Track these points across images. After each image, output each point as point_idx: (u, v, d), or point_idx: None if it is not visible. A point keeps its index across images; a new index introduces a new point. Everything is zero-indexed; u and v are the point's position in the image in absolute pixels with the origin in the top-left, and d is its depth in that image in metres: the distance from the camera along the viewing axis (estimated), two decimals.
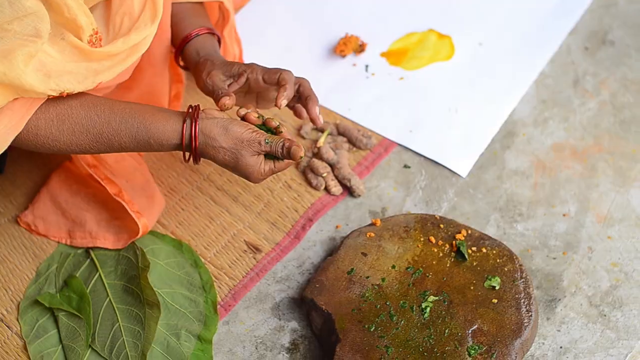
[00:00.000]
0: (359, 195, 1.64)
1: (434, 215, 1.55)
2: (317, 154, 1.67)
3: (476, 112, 1.75)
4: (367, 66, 1.83)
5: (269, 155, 1.39)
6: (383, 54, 1.85)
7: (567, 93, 1.78)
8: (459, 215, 1.61)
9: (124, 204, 1.54)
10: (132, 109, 1.38)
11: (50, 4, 1.26)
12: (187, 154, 1.39)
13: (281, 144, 1.37)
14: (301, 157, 1.37)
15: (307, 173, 1.66)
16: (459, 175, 1.66)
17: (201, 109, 1.39)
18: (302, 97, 1.51)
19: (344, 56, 1.84)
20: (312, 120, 1.51)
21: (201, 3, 1.62)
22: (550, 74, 1.82)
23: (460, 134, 1.72)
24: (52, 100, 1.33)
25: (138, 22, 1.38)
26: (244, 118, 1.41)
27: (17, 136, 1.32)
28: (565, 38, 1.87)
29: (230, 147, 1.37)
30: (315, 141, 1.71)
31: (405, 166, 1.69)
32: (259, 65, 1.49)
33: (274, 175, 1.64)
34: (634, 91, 1.78)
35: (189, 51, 1.55)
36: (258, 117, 1.42)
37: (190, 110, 1.39)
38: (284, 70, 1.47)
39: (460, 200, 1.63)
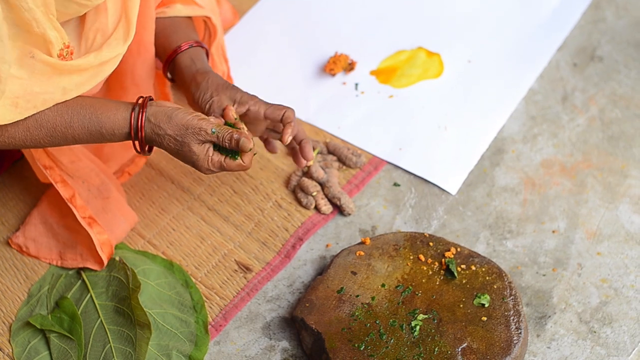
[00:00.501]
0: (349, 214, 1.64)
1: (424, 234, 1.56)
2: (307, 173, 1.68)
3: (465, 130, 1.76)
4: (356, 84, 1.84)
5: (223, 150, 1.40)
6: (372, 72, 1.86)
7: (556, 109, 1.79)
8: (449, 232, 1.62)
9: (73, 209, 1.55)
10: (83, 101, 1.40)
11: (18, 20, 1.26)
12: (137, 142, 1.40)
13: (229, 134, 1.37)
14: (250, 150, 1.37)
15: (297, 192, 1.67)
16: (449, 193, 1.67)
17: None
18: (297, 141, 1.53)
19: (333, 75, 1.85)
20: (306, 159, 1.54)
21: (189, 18, 1.63)
22: (539, 91, 1.82)
23: (449, 151, 1.73)
24: None
25: (110, 39, 1.39)
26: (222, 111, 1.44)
27: None
28: (554, 54, 1.88)
29: (174, 134, 1.38)
30: None
31: (395, 184, 1.69)
32: (262, 100, 1.50)
33: (264, 194, 1.65)
34: (623, 107, 1.79)
35: (182, 61, 1.55)
36: (235, 119, 1.44)
37: (140, 100, 1.40)
38: (288, 108, 1.48)
39: (449, 217, 1.64)
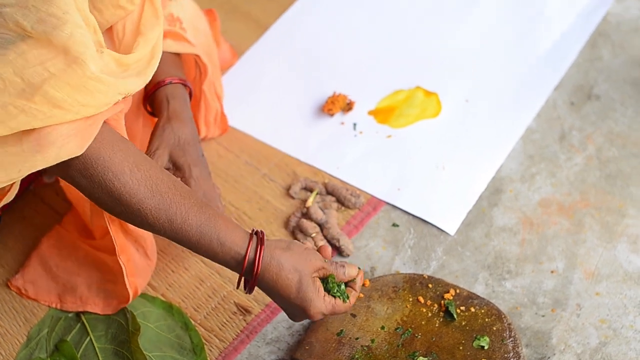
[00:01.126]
0: (348, 255, 1.65)
1: (423, 275, 1.56)
2: (306, 214, 1.68)
3: (464, 169, 1.76)
4: (355, 124, 1.85)
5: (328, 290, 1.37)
6: (371, 112, 1.87)
7: (554, 148, 1.80)
8: (448, 273, 1.62)
9: (122, 266, 1.50)
10: (205, 205, 1.33)
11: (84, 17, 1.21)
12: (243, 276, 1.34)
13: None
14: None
15: (296, 233, 1.67)
16: (447, 233, 1.68)
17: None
18: None
19: (332, 115, 1.86)
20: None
21: (178, 55, 1.64)
22: (537, 129, 1.83)
23: (448, 191, 1.73)
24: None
25: (142, 23, 1.35)
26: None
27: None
28: (551, 93, 1.89)
29: (293, 266, 1.33)
30: (304, 201, 1.72)
31: (394, 225, 1.70)
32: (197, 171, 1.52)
33: None
34: (619, 145, 1.80)
35: (158, 97, 1.55)
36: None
37: (256, 231, 1.34)
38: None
39: (448, 258, 1.64)
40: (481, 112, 1.86)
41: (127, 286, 1.52)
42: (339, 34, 2.02)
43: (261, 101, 1.91)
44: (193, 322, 1.58)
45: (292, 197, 1.74)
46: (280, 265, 1.33)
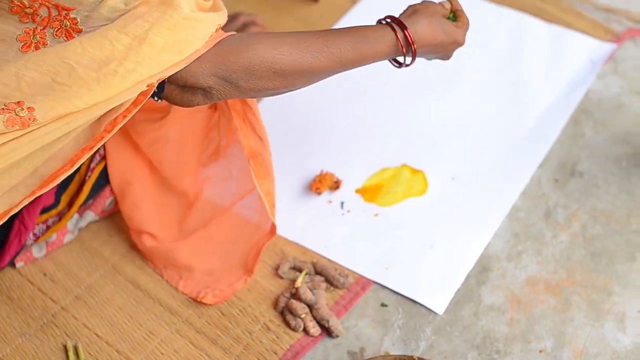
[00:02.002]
0: (337, 336, 1.65)
1: (412, 356, 1.56)
2: (296, 295, 1.69)
3: (451, 248, 1.78)
4: (342, 203, 1.86)
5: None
6: (358, 191, 1.89)
7: (539, 226, 1.82)
8: (437, 354, 1.62)
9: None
10: (335, 30, 1.51)
11: None
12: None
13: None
14: None
15: (285, 314, 1.67)
16: (436, 313, 1.68)
17: None
18: None
19: (319, 193, 1.87)
20: None
21: None
22: (522, 207, 1.86)
23: (436, 270, 1.74)
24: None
25: None
26: None
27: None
28: (536, 170, 1.92)
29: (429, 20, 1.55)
30: (293, 281, 1.73)
31: (383, 304, 1.70)
32: None
33: (253, 316, 1.67)
34: (603, 222, 1.82)
35: None
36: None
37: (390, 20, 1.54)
38: None
39: (437, 338, 1.65)
40: (467, 190, 1.88)
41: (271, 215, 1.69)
42: (325, 113, 2.05)
43: None
44: None
45: (281, 277, 1.74)
46: (422, 26, 1.53)
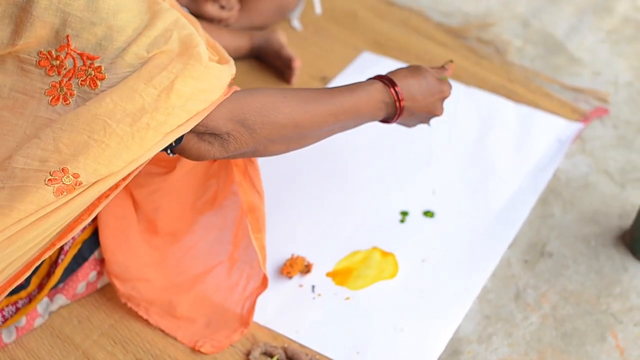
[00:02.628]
0: None
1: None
2: None
3: (422, 331, 1.78)
4: (313, 286, 1.87)
5: None
6: (329, 274, 1.89)
7: (510, 307, 1.83)
8: None
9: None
10: (333, 89, 1.61)
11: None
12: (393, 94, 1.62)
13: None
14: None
15: None
16: None
17: None
18: None
19: (290, 277, 1.87)
20: None
21: None
22: (492, 289, 1.86)
23: (407, 354, 1.74)
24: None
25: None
26: None
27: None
28: (505, 251, 1.93)
29: (418, 82, 1.64)
30: None
31: None
32: None
33: None
34: (574, 303, 1.83)
35: None
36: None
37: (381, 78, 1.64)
38: None
39: None
40: (437, 272, 1.89)
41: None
42: (295, 196, 2.06)
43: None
44: None
45: None
46: (409, 88, 1.63)
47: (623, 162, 2.17)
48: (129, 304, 1.77)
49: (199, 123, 1.41)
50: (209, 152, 1.47)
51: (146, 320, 1.77)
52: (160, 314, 1.77)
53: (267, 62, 2.47)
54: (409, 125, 1.73)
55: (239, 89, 1.49)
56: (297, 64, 2.38)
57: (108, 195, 1.42)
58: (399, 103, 1.61)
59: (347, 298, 1.85)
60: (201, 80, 1.39)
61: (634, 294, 1.84)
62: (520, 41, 2.62)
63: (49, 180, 1.31)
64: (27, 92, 1.37)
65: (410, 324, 1.79)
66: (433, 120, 1.74)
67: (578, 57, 2.56)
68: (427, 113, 1.69)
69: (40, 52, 1.35)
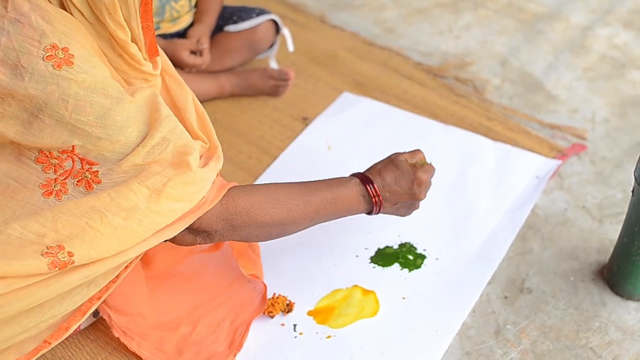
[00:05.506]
0: None
1: None
2: None
3: None
4: (295, 325, 1.88)
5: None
6: (310, 313, 1.90)
7: (490, 344, 1.84)
8: None
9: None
10: (309, 185, 1.73)
11: None
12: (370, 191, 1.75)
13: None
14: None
15: None
16: None
17: None
18: None
19: (272, 317, 1.88)
20: None
21: None
22: (472, 325, 1.88)
23: None
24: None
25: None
26: None
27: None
28: (485, 287, 1.95)
29: (395, 176, 1.77)
30: None
31: None
32: None
33: None
34: (553, 338, 1.84)
35: None
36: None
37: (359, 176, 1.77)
38: None
39: None
40: (418, 309, 1.91)
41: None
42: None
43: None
44: None
45: None
46: (384, 182, 1.76)
47: (601, 197, 2.19)
48: (123, 339, 1.77)
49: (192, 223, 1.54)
50: (195, 242, 1.63)
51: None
52: (150, 350, 1.77)
53: (258, 91, 2.57)
54: (402, 214, 1.86)
55: (236, 184, 1.65)
56: (292, 74, 2.52)
57: (100, 297, 1.57)
58: (377, 198, 1.75)
59: (329, 337, 1.86)
60: (190, 185, 1.51)
61: (613, 328, 1.86)
62: (498, 79, 2.67)
63: (45, 252, 1.38)
64: (20, 181, 1.44)
65: None
66: None
67: (555, 94, 2.60)
68: (411, 200, 1.80)
69: (42, 150, 1.43)
